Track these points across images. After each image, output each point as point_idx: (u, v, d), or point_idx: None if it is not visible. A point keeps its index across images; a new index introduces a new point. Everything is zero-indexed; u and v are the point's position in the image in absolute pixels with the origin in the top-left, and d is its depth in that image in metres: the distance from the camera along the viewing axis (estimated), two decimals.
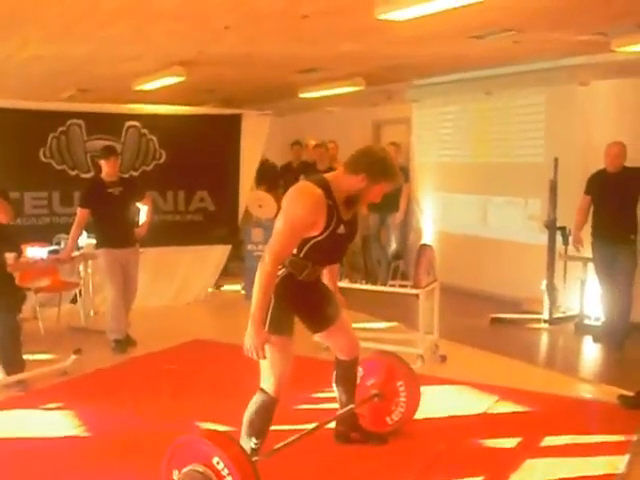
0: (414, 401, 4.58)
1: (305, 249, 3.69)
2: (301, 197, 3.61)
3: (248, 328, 3.53)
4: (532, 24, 6.04)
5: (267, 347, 3.67)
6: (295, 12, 5.50)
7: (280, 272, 3.72)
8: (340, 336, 4.19)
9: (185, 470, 3.34)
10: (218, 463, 3.25)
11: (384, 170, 3.69)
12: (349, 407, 4.33)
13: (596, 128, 7.68)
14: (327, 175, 3.79)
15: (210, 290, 9.33)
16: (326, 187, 3.64)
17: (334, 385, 4.36)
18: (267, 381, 3.78)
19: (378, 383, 4.59)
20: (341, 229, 3.71)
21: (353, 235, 3.93)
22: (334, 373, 4.34)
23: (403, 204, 9.70)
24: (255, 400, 3.82)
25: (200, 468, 3.29)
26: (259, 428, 3.82)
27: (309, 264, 3.77)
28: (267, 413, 3.82)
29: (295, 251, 3.70)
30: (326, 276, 4.30)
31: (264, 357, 3.56)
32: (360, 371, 4.54)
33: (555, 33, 6.40)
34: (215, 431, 3.72)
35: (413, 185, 10.03)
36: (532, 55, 7.63)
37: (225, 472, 3.24)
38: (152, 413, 5.05)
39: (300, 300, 3.83)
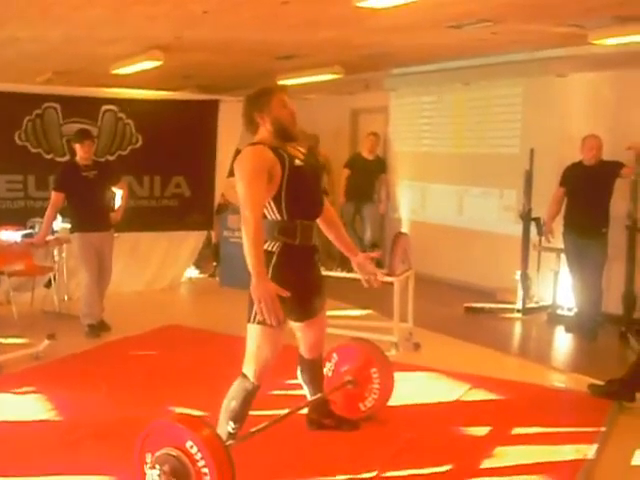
0: (387, 388, 4.62)
1: (283, 206, 3.72)
2: (244, 156, 3.72)
3: (252, 281, 3.46)
4: (509, 15, 6.06)
5: (255, 333, 3.69)
6: None
7: (274, 247, 3.72)
8: (312, 332, 4.16)
9: (158, 453, 3.35)
10: (192, 447, 3.26)
11: (258, 93, 3.89)
12: (320, 395, 4.33)
13: (572, 120, 7.73)
14: (255, 139, 3.90)
15: (196, 276, 9.44)
16: (260, 143, 3.78)
17: (300, 379, 4.35)
18: (249, 367, 3.78)
19: (352, 370, 4.61)
20: (297, 162, 3.79)
21: (316, 169, 4.09)
22: (299, 367, 4.33)
23: (384, 195, 9.80)
24: (236, 385, 3.82)
25: (174, 452, 3.30)
26: (238, 412, 3.81)
27: (297, 222, 3.77)
28: (247, 398, 3.81)
29: (278, 216, 3.73)
30: (331, 233, 4.23)
31: (278, 309, 3.44)
32: (334, 357, 4.59)
33: (532, 25, 6.43)
34: (189, 415, 3.72)
35: (390, 175, 10.06)
36: (510, 46, 7.66)
37: (198, 456, 3.25)
38: (125, 398, 5.04)
39: (296, 278, 3.73)
